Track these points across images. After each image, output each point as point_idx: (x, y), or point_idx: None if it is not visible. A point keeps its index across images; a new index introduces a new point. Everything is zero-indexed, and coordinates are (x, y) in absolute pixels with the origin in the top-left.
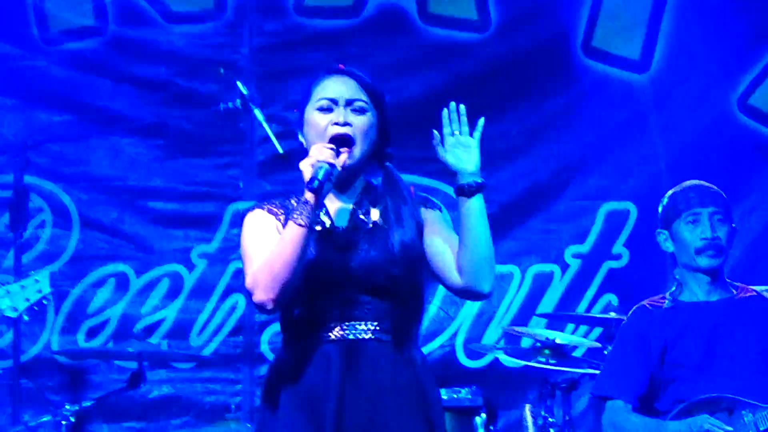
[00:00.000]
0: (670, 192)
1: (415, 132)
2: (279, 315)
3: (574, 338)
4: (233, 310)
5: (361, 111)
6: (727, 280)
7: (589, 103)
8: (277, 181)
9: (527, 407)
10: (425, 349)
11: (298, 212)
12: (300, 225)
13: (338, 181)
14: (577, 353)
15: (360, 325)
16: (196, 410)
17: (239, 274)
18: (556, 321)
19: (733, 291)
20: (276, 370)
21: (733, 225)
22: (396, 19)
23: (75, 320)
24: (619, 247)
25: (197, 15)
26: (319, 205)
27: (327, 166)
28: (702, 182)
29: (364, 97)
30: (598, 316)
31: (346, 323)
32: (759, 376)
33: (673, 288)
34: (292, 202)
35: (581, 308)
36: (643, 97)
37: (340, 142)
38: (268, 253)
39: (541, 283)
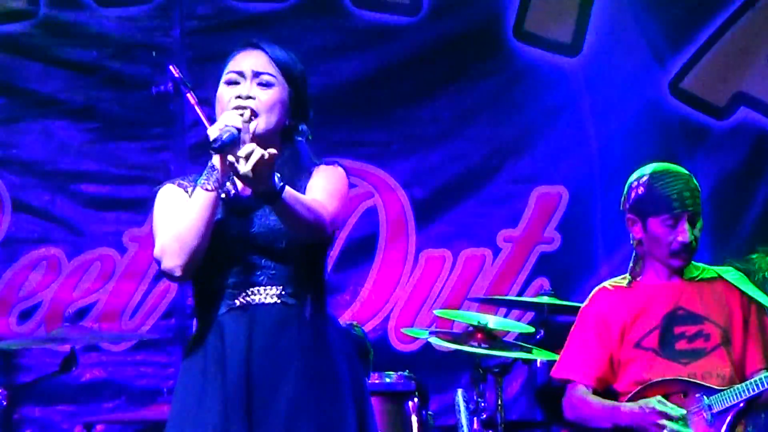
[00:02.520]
0: (645, 177)
1: (346, 115)
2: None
3: (507, 322)
4: (166, 293)
5: (267, 85)
6: (694, 264)
7: (521, 87)
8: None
9: (459, 391)
10: None
11: (204, 177)
12: (206, 189)
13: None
14: (509, 337)
15: (265, 290)
16: (128, 393)
17: None
18: (488, 305)
19: (695, 271)
20: (188, 343)
21: None
22: (328, 2)
23: (7, 303)
24: (551, 231)
25: None
26: (226, 169)
27: (233, 129)
28: (681, 174)
29: (272, 71)
30: (530, 299)
31: (251, 289)
32: (715, 357)
33: (636, 267)
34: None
35: (513, 292)
36: (574, 81)
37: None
38: (174, 221)
39: (474, 267)
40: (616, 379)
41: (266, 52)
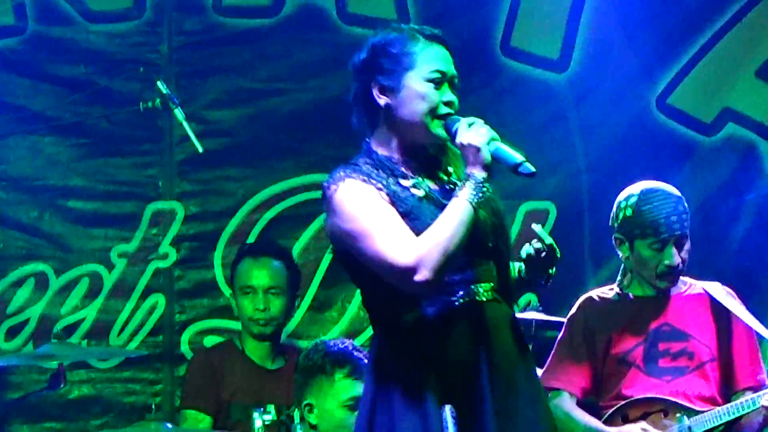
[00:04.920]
0: (633, 199)
1: (334, 131)
2: (376, 292)
3: None
4: (153, 309)
5: (456, 90)
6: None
7: (508, 103)
8: (197, 180)
9: (447, 408)
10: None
11: (471, 191)
12: (473, 205)
13: (420, 148)
14: None
15: (481, 287)
16: (117, 410)
17: (159, 273)
18: None
19: (682, 287)
20: (400, 344)
21: None
22: (315, 18)
23: None
24: None
25: (117, 14)
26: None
27: (503, 146)
28: (670, 195)
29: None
30: (518, 315)
31: (471, 285)
32: (698, 376)
33: (624, 280)
34: (365, 166)
35: None
36: (562, 97)
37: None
38: (435, 231)
39: None
40: (599, 391)
41: (451, 52)
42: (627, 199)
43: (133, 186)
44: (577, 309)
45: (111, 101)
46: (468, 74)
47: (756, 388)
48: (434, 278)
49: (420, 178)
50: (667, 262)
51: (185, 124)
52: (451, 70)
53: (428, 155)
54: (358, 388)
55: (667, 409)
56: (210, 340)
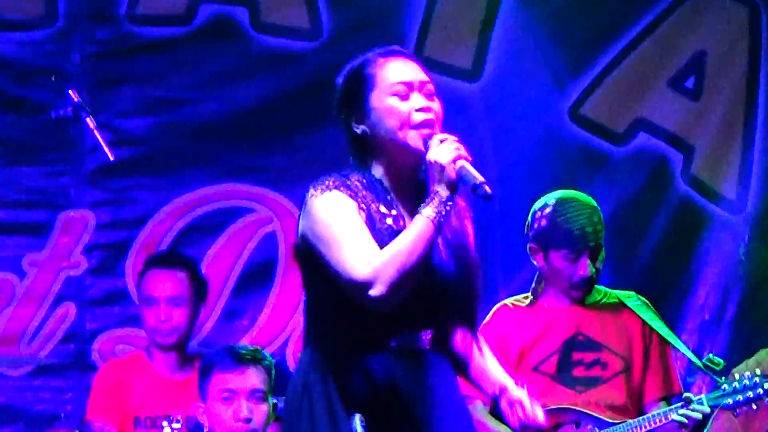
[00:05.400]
0: (548, 209)
1: (247, 140)
2: (320, 324)
3: None
4: (64, 318)
5: (431, 94)
6: (597, 287)
7: None
8: (108, 188)
9: (357, 417)
10: None
11: (434, 208)
12: (434, 223)
13: (409, 174)
14: None
15: (422, 334)
16: (26, 419)
17: (71, 281)
18: None
19: (597, 296)
20: (316, 371)
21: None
22: (228, 27)
23: None
24: None
25: (28, 22)
26: (453, 202)
27: (470, 165)
28: (585, 206)
29: (430, 79)
30: None
31: (412, 331)
32: (611, 387)
33: (538, 288)
34: (356, 183)
35: None
36: (474, 107)
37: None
38: (394, 246)
39: None
40: None
41: (416, 61)
42: (542, 208)
43: (45, 194)
44: (491, 318)
45: (22, 110)
46: None
47: (669, 399)
48: (389, 294)
49: (402, 212)
50: (581, 273)
51: (96, 133)
52: (417, 77)
53: (418, 189)
54: (231, 382)
55: (579, 420)
56: (121, 350)
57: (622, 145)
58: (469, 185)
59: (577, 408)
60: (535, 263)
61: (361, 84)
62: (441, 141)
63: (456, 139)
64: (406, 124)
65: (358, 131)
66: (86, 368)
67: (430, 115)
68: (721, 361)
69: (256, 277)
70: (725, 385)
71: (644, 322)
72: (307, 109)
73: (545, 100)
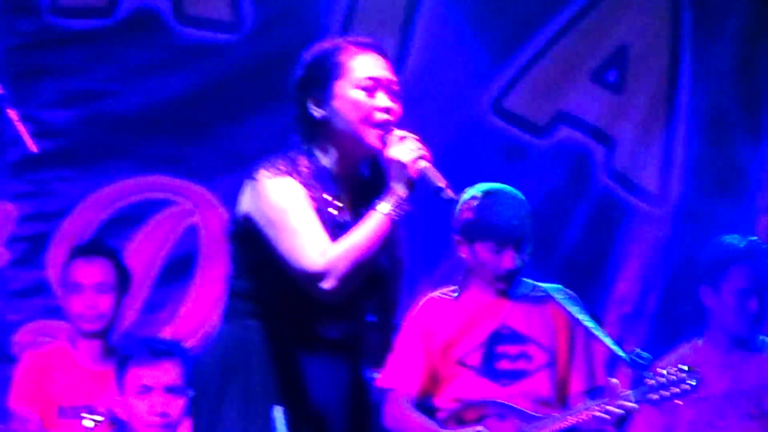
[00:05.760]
0: (474, 202)
1: (168, 132)
2: (263, 306)
3: None
4: None
5: (396, 96)
6: (523, 280)
7: None
8: (30, 180)
9: (276, 408)
10: None
11: (391, 205)
12: (392, 220)
13: (355, 166)
14: None
15: (350, 325)
16: None
17: None
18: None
19: (524, 289)
20: (269, 368)
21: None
22: (150, 19)
23: None
24: None
25: None
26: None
27: (432, 167)
28: (510, 198)
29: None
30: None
31: (341, 321)
32: (536, 380)
33: (465, 280)
34: (304, 170)
35: None
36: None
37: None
38: (350, 240)
39: None
40: (437, 393)
41: (388, 60)
42: (468, 201)
43: None
44: (418, 309)
45: None
46: None
47: (593, 392)
48: (340, 288)
49: (347, 206)
50: (505, 265)
51: (19, 125)
52: (387, 75)
53: (364, 185)
54: (146, 377)
55: (503, 413)
56: (42, 341)
57: (544, 138)
58: (431, 187)
59: (502, 401)
60: (461, 255)
61: (329, 69)
62: (401, 138)
63: (417, 138)
64: (367, 120)
65: (316, 114)
66: (7, 360)
67: (391, 117)
68: (648, 355)
69: (178, 270)
70: (651, 381)
71: (570, 316)
72: (229, 101)
73: (467, 93)
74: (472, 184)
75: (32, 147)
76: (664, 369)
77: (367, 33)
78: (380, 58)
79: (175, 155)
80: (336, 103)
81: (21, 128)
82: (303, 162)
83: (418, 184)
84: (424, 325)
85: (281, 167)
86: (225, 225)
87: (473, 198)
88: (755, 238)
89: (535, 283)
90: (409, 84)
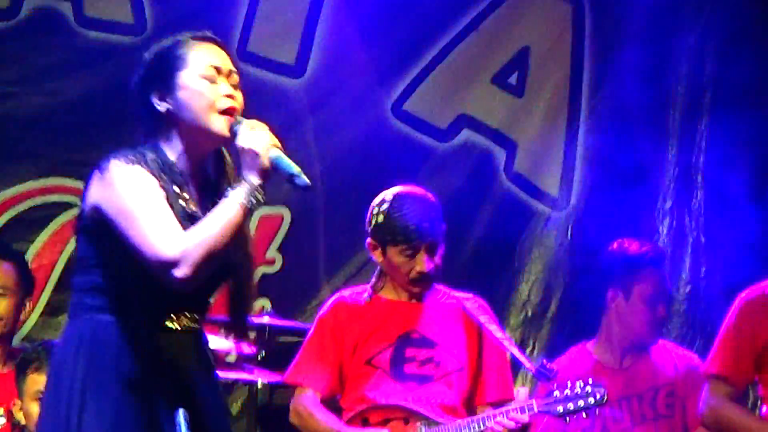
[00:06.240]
0: (385, 205)
1: (72, 134)
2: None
3: (228, 343)
4: None
5: (237, 86)
6: (436, 286)
7: (245, 107)
8: None
9: (181, 411)
10: None
11: (245, 194)
12: (245, 208)
13: (202, 159)
14: (231, 358)
15: (191, 315)
16: None
17: None
18: (210, 325)
19: (436, 295)
20: (109, 355)
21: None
22: (52, 21)
23: None
24: (273, 252)
25: None
26: (264, 191)
27: (283, 154)
28: (421, 201)
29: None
30: (251, 320)
31: (188, 313)
32: (442, 385)
33: (378, 282)
34: (151, 162)
35: None
36: (298, 102)
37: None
38: (204, 229)
39: None
40: (344, 392)
41: (228, 52)
42: (380, 204)
43: None
44: (328, 308)
45: None
46: None
47: (498, 404)
48: (193, 276)
49: (195, 199)
50: (418, 268)
51: None
52: (227, 65)
53: (209, 178)
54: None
55: (409, 416)
56: None
57: (446, 140)
58: (284, 175)
59: (408, 405)
60: (374, 258)
61: (172, 62)
62: (252, 128)
63: (268, 128)
64: (212, 107)
65: (161, 109)
66: None
67: (234, 103)
68: (555, 367)
69: None
70: (557, 392)
71: (480, 325)
72: (129, 103)
73: (369, 96)
74: (374, 185)
75: None
76: (572, 383)
77: (268, 36)
78: (220, 48)
79: (78, 158)
80: (180, 94)
81: None
82: (150, 156)
83: (271, 172)
84: (334, 323)
85: (131, 157)
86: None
87: (384, 201)
88: (654, 242)
89: (447, 290)
90: (311, 87)
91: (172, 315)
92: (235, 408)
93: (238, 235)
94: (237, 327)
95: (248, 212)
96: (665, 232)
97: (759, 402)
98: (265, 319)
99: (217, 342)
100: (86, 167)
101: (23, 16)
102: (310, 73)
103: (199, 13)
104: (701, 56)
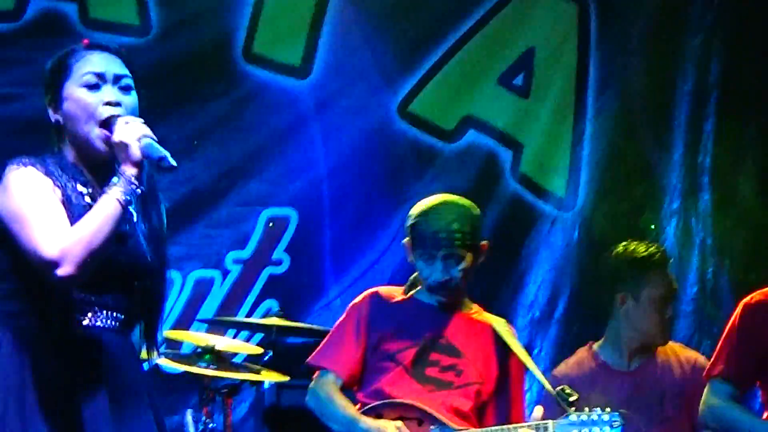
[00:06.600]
0: (416, 210)
1: None
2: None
3: (235, 343)
4: None
5: (128, 89)
6: (470, 303)
7: (250, 109)
8: None
9: (188, 412)
10: None
11: (119, 188)
12: (120, 202)
13: (104, 162)
14: (238, 359)
15: (108, 313)
16: None
17: None
18: (216, 326)
19: (468, 310)
20: (27, 355)
21: (478, 245)
22: (57, 23)
23: None
24: (279, 253)
25: None
26: (140, 181)
27: (155, 141)
28: (448, 211)
29: (129, 74)
30: (258, 321)
31: (103, 311)
32: (460, 394)
33: (415, 284)
34: (51, 163)
35: (242, 314)
36: (304, 104)
37: (109, 124)
38: (81, 226)
39: (202, 289)
40: (362, 384)
41: (118, 55)
42: (418, 206)
43: None
44: (362, 297)
45: None
46: (210, 81)
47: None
48: (77, 273)
49: (99, 189)
50: (434, 276)
51: None
52: (112, 70)
53: (110, 168)
54: None
55: (423, 418)
56: None
57: (451, 141)
58: (153, 159)
59: (423, 407)
60: (408, 260)
61: (60, 73)
62: (126, 123)
63: (142, 121)
64: (92, 117)
65: (53, 119)
66: None
67: (117, 110)
68: (574, 392)
69: None
70: (573, 416)
71: (507, 349)
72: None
73: (375, 97)
74: (380, 186)
75: None
76: (590, 408)
77: (274, 37)
78: (107, 54)
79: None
80: (65, 105)
81: None
82: (51, 159)
83: (144, 162)
84: (365, 312)
85: (25, 160)
86: None
87: (419, 206)
88: (661, 244)
89: (481, 309)
90: (316, 88)
91: (88, 313)
92: (242, 409)
93: (154, 239)
94: (147, 330)
95: (126, 204)
96: (672, 232)
97: (762, 409)
98: (272, 320)
99: (224, 342)
100: None
101: (28, 17)
102: (316, 74)
103: (204, 15)
104: (707, 56)
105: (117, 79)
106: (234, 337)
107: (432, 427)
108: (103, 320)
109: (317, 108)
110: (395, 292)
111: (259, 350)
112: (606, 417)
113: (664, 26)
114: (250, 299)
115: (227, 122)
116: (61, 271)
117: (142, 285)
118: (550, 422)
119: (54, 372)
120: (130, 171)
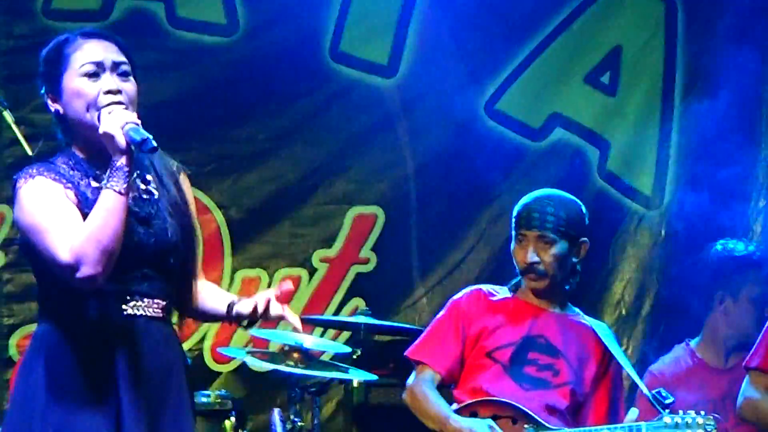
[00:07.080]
0: (523, 199)
1: (162, 134)
2: (47, 291)
3: (323, 342)
4: None
5: (127, 75)
6: (573, 306)
7: (337, 108)
8: None
9: (276, 411)
10: None
11: (114, 179)
12: (119, 193)
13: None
14: (326, 357)
15: (150, 301)
16: None
17: None
18: (305, 325)
19: (569, 312)
20: (56, 347)
21: (578, 240)
22: (144, 22)
23: None
24: (366, 251)
25: None
26: (132, 168)
27: (139, 126)
28: (551, 197)
29: (127, 60)
30: (345, 319)
31: (139, 299)
32: (557, 393)
33: (519, 283)
34: (62, 166)
35: (329, 312)
36: (390, 102)
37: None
38: (87, 225)
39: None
40: (459, 380)
41: (114, 42)
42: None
43: None
44: (464, 295)
45: None
46: (297, 79)
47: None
48: (98, 272)
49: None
50: (521, 257)
51: (15, 128)
52: (111, 57)
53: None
54: None
55: (517, 417)
56: None
57: (538, 140)
58: (136, 144)
59: (518, 405)
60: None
61: (57, 63)
62: (109, 113)
63: (125, 107)
64: (93, 105)
65: (53, 110)
66: (4, 363)
67: (118, 97)
68: (670, 396)
69: None
70: (667, 419)
71: (607, 352)
72: (222, 104)
73: (461, 96)
74: (466, 185)
75: (29, 150)
76: (683, 412)
77: (361, 36)
78: (105, 42)
79: (171, 158)
80: (65, 96)
81: (17, 131)
82: (60, 160)
83: (130, 148)
84: (466, 308)
85: (32, 171)
86: (217, 228)
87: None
88: (756, 243)
89: (581, 312)
90: (403, 86)
91: (129, 300)
92: (330, 407)
93: (177, 214)
94: (180, 303)
95: (125, 194)
96: (759, 230)
97: None
98: (360, 318)
99: (312, 340)
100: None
101: (115, 16)
102: (403, 73)
103: (291, 13)
104: None
105: (115, 66)
106: (321, 335)
107: (526, 426)
108: (144, 309)
109: (404, 106)
110: (497, 291)
111: (348, 349)
112: (700, 421)
113: (752, 25)
114: (337, 298)
115: (314, 121)
116: (80, 274)
117: (173, 265)
118: (643, 424)
119: (96, 361)
120: (119, 160)
